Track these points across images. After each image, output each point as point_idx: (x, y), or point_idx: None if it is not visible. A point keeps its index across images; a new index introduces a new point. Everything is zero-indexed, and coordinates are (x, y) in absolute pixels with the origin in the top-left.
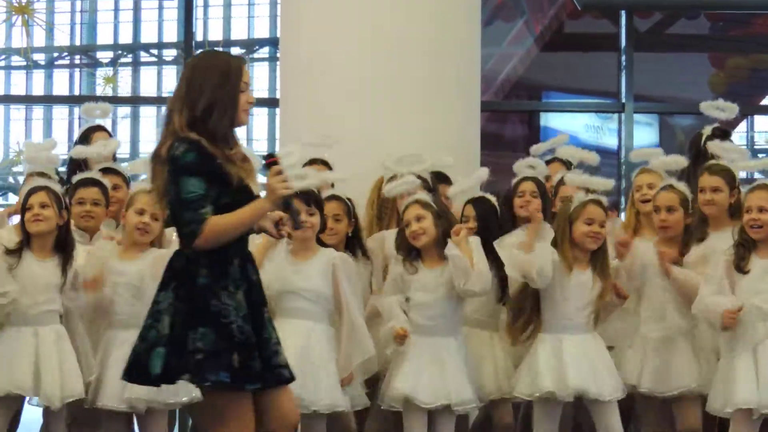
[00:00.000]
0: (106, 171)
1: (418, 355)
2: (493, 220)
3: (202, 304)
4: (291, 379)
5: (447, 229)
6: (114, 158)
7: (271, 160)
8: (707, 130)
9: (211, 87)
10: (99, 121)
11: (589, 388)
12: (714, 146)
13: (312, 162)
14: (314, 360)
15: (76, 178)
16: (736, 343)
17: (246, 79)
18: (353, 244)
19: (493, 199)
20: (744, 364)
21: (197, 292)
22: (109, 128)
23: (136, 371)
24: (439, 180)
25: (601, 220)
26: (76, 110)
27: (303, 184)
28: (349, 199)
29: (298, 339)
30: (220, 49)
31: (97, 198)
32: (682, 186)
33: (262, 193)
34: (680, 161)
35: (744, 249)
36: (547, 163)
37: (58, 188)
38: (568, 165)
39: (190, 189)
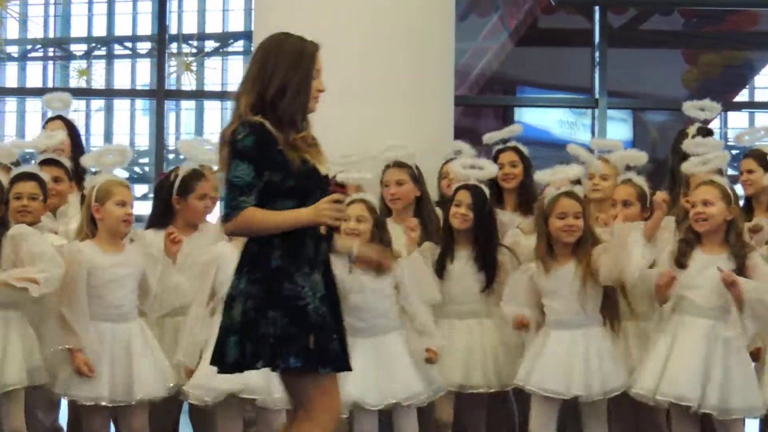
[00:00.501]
0: (47, 162)
1: (361, 358)
2: (486, 208)
3: (275, 287)
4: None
5: (380, 235)
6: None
7: (337, 188)
8: (692, 130)
9: (284, 70)
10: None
11: (575, 391)
12: (688, 144)
13: None
14: None
15: (13, 173)
16: (661, 329)
17: (318, 66)
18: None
19: (485, 188)
20: (657, 352)
21: (271, 275)
22: (83, 120)
23: (215, 359)
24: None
25: (575, 212)
26: None
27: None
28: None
29: None
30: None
31: (34, 192)
32: (640, 180)
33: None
34: (639, 157)
35: (687, 245)
36: (499, 152)
37: None
38: (520, 154)
39: (238, 173)
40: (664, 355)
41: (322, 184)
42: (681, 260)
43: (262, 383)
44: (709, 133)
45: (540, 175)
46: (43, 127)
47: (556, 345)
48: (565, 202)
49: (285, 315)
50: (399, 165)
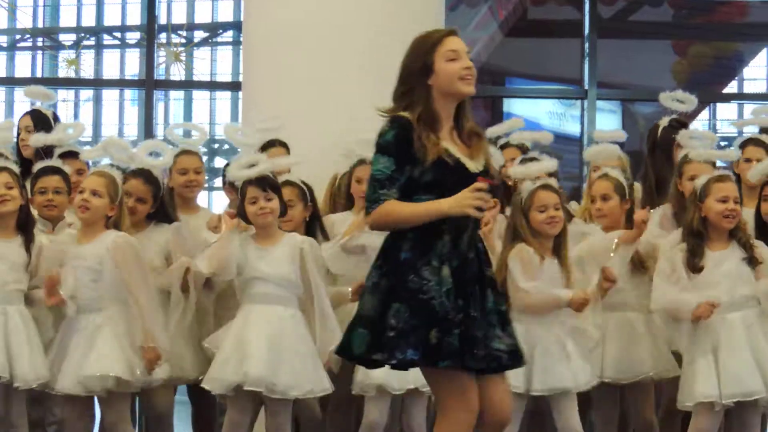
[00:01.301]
0: (67, 155)
1: None
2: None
3: (401, 279)
4: (510, 366)
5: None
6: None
7: (483, 180)
8: (664, 121)
9: (405, 64)
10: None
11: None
12: (682, 137)
13: (270, 144)
14: (286, 346)
15: (37, 167)
16: (697, 337)
17: (452, 47)
18: (313, 228)
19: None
20: (704, 358)
21: (399, 268)
22: (72, 110)
23: (342, 348)
24: None
25: (554, 204)
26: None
27: (255, 170)
28: (304, 183)
29: (268, 326)
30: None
31: (59, 186)
32: (616, 173)
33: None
34: (611, 151)
35: (697, 246)
36: (501, 148)
37: (16, 168)
38: (523, 150)
39: (378, 167)
40: (712, 358)
41: (466, 179)
42: (695, 263)
43: (264, 374)
44: (683, 125)
45: (515, 170)
46: (42, 122)
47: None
48: (544, 194)
49: (408, 308)
50: None
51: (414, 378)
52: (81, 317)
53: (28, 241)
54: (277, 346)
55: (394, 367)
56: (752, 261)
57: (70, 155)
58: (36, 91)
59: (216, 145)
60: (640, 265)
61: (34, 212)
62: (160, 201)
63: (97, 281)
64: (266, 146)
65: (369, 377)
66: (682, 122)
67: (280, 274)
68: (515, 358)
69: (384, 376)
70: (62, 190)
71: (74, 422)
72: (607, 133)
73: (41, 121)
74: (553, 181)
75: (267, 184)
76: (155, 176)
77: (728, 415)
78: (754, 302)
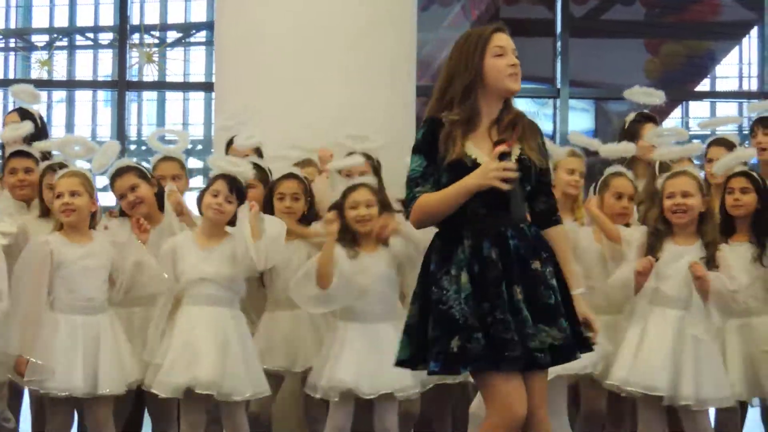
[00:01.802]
0: (18, 154)
1: (357, 343)
2: None
3: (427, 291)
4: (544, 364)
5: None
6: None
7: (501, 147)
8: (631, 116)
9: (451, 61)
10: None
11: None
12: (651, 134)
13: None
14: (232, 349)
15: (9, 151)
16: (631, 322)
17: (499, 43)
18: (309, 222)
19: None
20: (628, 343)
21: (427, 279)
22: (45, 111)
23: (397, 353)
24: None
25: None
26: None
27: (235, 170)
28: (306, 178)
29: (215, 328)
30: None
31: (29, 166)
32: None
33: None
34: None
35: (656, 237)
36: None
37: None
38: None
39: (412, 167)
40: (635, 345)
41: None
42: (652, 252)
43: (214, 378)
44: (651, 118)
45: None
46: (4, 120)
47: None
48: None
49: (433, 319)
50: (365, 156)
51: (386, 383)
52: (88, 319)
53: None
54: (224, 349)
55: (431, 373)
56: (710, 263)
57: (22, 154)
58: (23, 90)
59: (190, 146)
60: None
61: (7, 195)
62: (156, 183)
63: (105, 282)
64: (231, 142)
65: (334, 382)
66: (648, 116)
67: (223, 275)
68: (563, 351)
69: (354, 381)
70: (33, 170)
71: (60, 425)
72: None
73: (27, 119)
74: None
75: (234, 187)
76: (128, 164)
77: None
78: (694, 304)
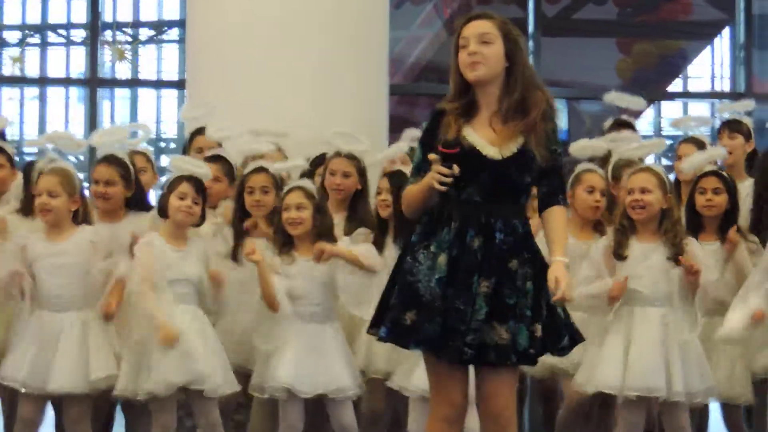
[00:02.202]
0: None
1: (296, 343)
2: None
3: (400, 260)
4: (476, 361)
5: (323, 222)
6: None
7: (444, 150)
8: (608, 122)
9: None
10: None
11: None
12: (605, 140)
13: (198, 132)
14: (209, 344)
15: None
16: (611, 325)
17: (464, 34)
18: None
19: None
20: (614, 347)
21: (406, 249)
22: (17, 108)
23: None
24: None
25: None
26: None
27: (198, 171)
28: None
29: (192, 324)
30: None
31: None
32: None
33: None
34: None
35: (622, 235)
36: None
37: None
38: None
39: (414, 160)
40: (622, 349)
41: (481, 166)
42: (619, 252)
43: (206, 372)
44: (626, 125)
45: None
46: None
47: None
48: None
49: (397, 287)
50: (349, 157)
51: (323, 383)
52: (63, 316)
53: None
54: (203, 344)
55: (379, 339)
56: (676, 260)
57: None
58: None
59: (162, 144)
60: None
61: None
62: (135, 184)
63: (80, 278)
64: (194, 134)
65: (275, 380)
66: (624, 122)
67: (196, 275)
68: (507, 354)
69: (292, 379)
70: (4, 165)
71: (33, 420)
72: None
73: None
74: None
75: (201, 188)
76: (119, 158)
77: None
78: (673, 301)
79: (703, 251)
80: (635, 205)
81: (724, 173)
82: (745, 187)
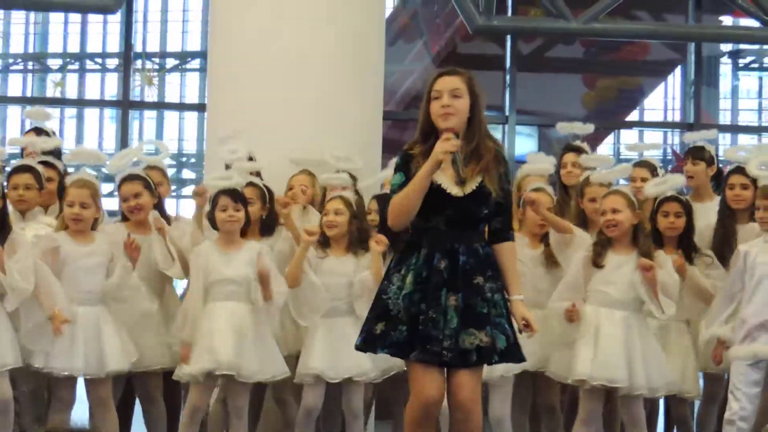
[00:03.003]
0: (43, 164)
1: (324, 335)
2: None
3: (381, 283)
4: (458, 364)
5: (360, 227)
6: (58, 154)
7: (448, 130)
8: (556, 147)
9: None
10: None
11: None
12: (584, 160)
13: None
14: (249, 336)
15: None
16: (581, 323)
17: (436, 87)
18: (268, 225)
19: None
20: (585, 341)
21: (384, 275)
22: (57, 126)
23: None
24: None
25: None
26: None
27: (229, 183)
28: (265, 186)
29: (233, 319)
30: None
31: (29, 183)
32: (549, 189)
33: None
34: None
35: (601, 247)
36: None
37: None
38: None
39: (393, 182)
40: (592, 344)
41: (446, 202)
42: (597, 261)
43: (234, 360)
44: (577, 149)
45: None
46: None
47: None
48: None
49: (373, 304)
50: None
51: (348, 368)
52: (85, 309)
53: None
54: (242, 336)
55: (356, 348)
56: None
57: (45, 164)
58: (36, 111)
59: (184, 159)
60: (552, 262)
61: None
62: (157, 195)
63: (104, 276)
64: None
65: (306, 369)
66: (573, 147)
67: (242, 275)
68: (485, 353)
69: (321, 366)
70: (32, 187)
71: (69, 402)
72: (538, 157)
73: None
74: None
75: (238, 197)
76: (137, 173)
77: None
78: (639, 307)
79: (667, 261)
80: (609, 224)
81: (683, 198)
82: (712, 206)
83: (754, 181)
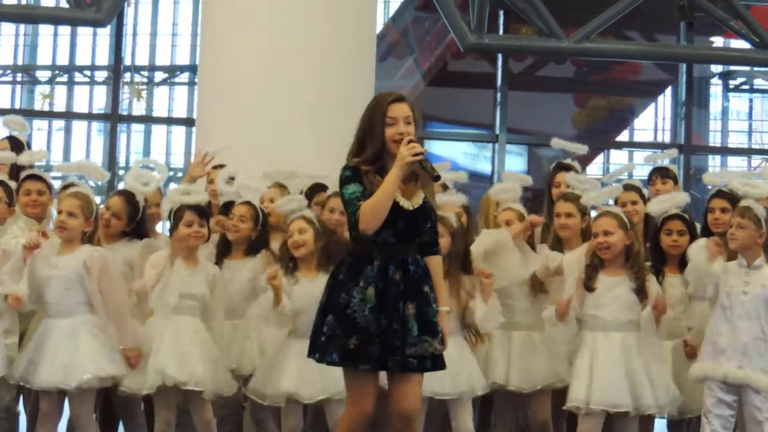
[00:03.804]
0: (32, 177)
1: (296, 355)
2: None
3: (335, 296)
4: (419, 369)
5: (326, 244)
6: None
7: (409, 138)
8: (546, 166)
9: (362, 123)
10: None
11: (444, 389)
12: (569, 178)
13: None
14: (206, 351)
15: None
16: (578, 349)
17: (391, 114)
18: (255, 247)
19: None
20: (581, 367)
21: (336, 287)
22: (45, 138)
23: None
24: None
25: (442, 234)
26: None
27: (192, 199)
28: (261, 209)
29: (194, 334)
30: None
31: (41, 188)
32: (518, 206)
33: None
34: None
35: (592, 269)
36: None
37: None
38: (444, 187)
39: (351, 191)
40: (588, 369)
41: (399, 215)
42: (588, 284)
43: (203, 374)
44: (567, 167)
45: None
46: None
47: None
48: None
49: (336, 319)
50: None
51: (322, 389)
52: (55, 321)
53: None
54: (191, 350)
55: (329, 364)
56: (640, 292)
57: (34, 177)
58: (14, 120)
59: (171, 173)
60: (539, 288)
61: (20, 211)
62: (136, 223)
63: (71, 290)
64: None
65: (278, 389)
66: (565, 165)
67: (201, 292)
68: (425, 363)
69: (294, 387)
70: (45, 192)
71: (52, 415)
72: (513, 175)
73: (16, 145)
74: (451, 215)
75: (201, 211)
76: (137, 200)
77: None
78: (635, 327)
79: (657, 287)
80: (601, 246)
81: (687, 216)
82: None
83: (733, 205)
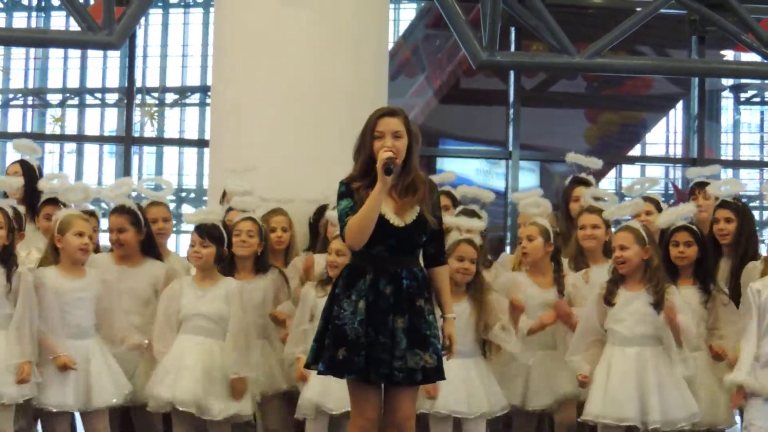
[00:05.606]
0: (50, 202)
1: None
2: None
3: (331, 308)
4: (406, 382)
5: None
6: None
7: (386, 148)
8: (568, 179)
9: (358, 138)
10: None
11: (461, 408)
12: (587, 196)
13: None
14: (216, 373)
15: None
16: (597, 364)
17: (378, 128)
18: (263, 262)
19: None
20: (597, 381)
21: (332, 299)
22: (57, 161)
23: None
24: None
25: (471, 257)
26: None
27: (207, 218)
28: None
29: (203, 355)
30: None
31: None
32: (543, 221)
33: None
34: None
35: (613, 284)
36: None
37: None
38: (452, 199)
39: (342, 206)
40: (603, 383)
41: (387, 231)
42: (608, 299)
43: (196, 396)
44: (584, 182)
45: (448, 221)
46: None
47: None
48: (465, 247)
49: (329, 330)
50: None
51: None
52: (76, 343)
53: (9, 272)
54: (210, 373)
55: (319, 373)
56: (658, 305)
57: (52, 202)
58: (24, 144)
59: (183, 194)
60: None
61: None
62: (145, 231)
63: (91, 310)
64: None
65: (307, 401)
66: (582, 180)
67: (215, 312)
68: (414, 377)
69: (321, 399)
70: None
71: None
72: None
73: (28, 170)
74: (477, 238)
75: (206, 232)
76: (128, 206)
77: None
78: (653, 341)
79: (680, 298)
80: (618, 261)
81: (693, 227)
82: None
83: (737, 215)
